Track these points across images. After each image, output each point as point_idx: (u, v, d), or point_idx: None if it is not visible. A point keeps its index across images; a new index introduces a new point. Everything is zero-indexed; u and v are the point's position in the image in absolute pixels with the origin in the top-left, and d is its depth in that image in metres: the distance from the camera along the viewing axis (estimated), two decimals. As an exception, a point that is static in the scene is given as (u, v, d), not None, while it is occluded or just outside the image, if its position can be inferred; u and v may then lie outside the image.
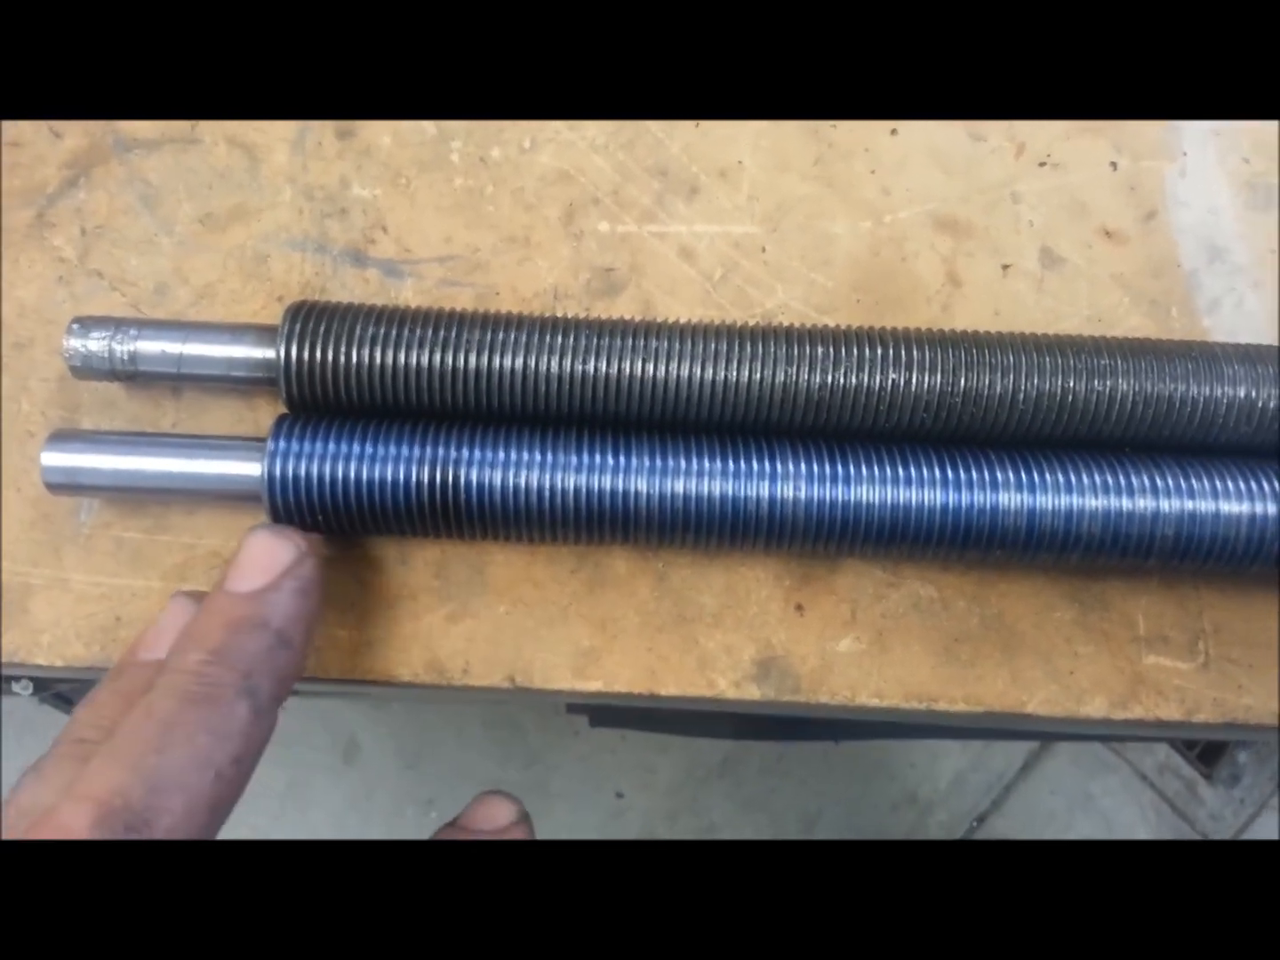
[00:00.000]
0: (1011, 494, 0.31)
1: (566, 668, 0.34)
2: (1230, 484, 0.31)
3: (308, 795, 1.21)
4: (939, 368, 0.31)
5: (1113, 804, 1.24)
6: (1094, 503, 0.31)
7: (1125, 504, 0.31)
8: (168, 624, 0.30)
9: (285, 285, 0.35)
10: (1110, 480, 0.31)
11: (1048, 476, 0.31)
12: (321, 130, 0.37)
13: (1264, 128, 0.37)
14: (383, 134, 0.37)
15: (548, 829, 1.08)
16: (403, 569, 0.34)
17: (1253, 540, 0.31)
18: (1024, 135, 0.37)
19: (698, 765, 1.24)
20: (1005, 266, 0.37)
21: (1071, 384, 0.31)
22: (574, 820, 1.19)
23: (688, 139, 0.37)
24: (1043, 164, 0.37)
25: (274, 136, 0.36)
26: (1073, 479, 0.31)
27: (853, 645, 0.34)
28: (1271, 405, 0.31)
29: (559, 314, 0.34)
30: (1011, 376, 0.31)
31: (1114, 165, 0.37)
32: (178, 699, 0.27)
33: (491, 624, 0.34)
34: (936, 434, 0.32)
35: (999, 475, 0.31)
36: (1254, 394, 0.31)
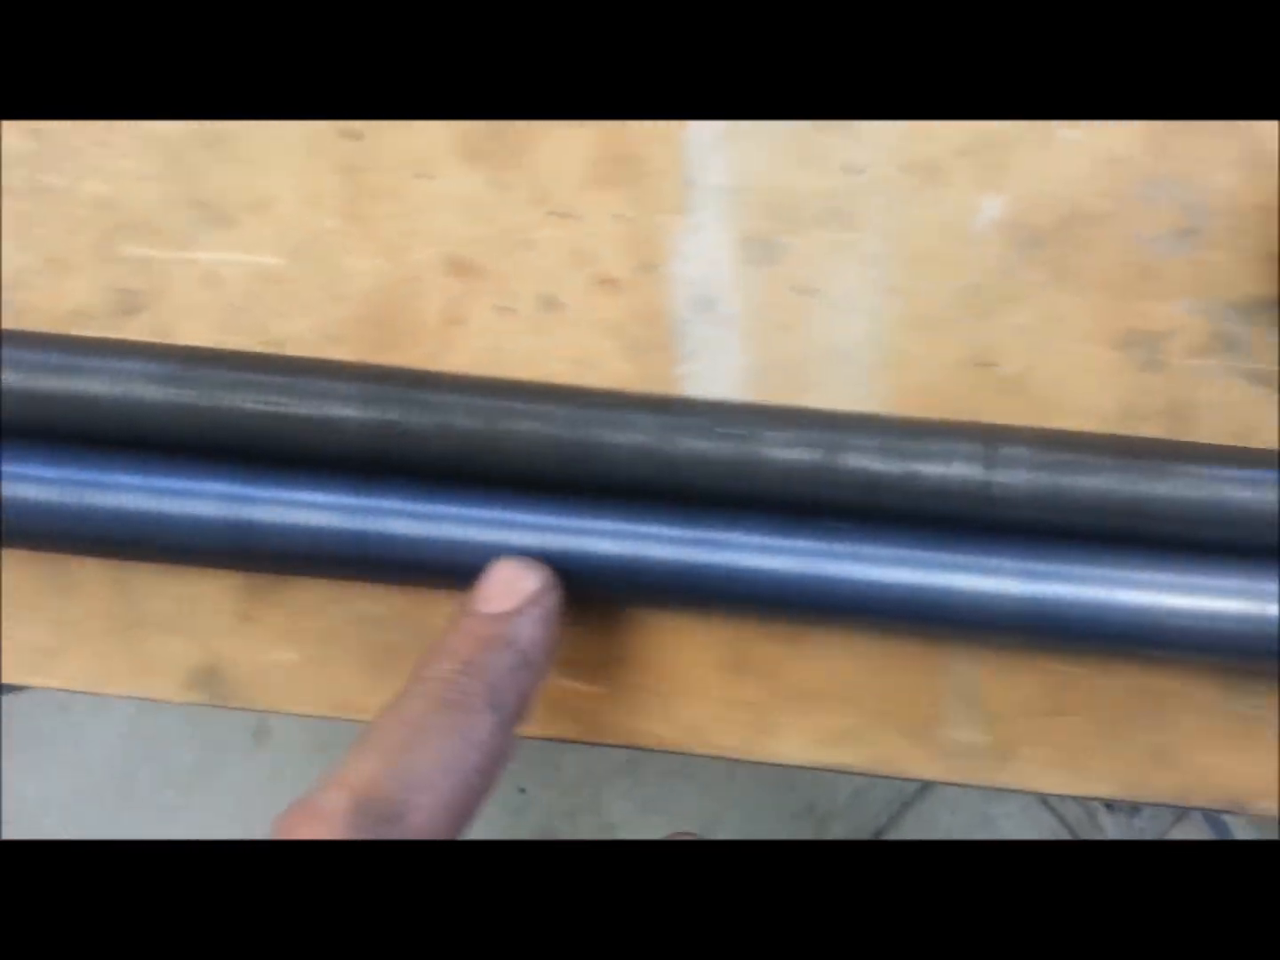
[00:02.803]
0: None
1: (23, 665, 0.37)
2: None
3: (218, 774, 1.25)
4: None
5: (1012, 826, 1.24)
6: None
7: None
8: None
9: None
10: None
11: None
12: (-103, 152, 0.40)
13: (777, 187, 0.39)
14: (-50, 158, 0.40)
15: None
16: None
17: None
18: (546, 185, 0.40)
19: (601, 763, 1.26)
20: (506, 309, 0.39)
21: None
22: (480, 815, 1.21)
23: (231, 173, 0.40)
24: (559, 214, 0.40)
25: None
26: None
27: (287, 656, 0.37)
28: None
29: (80, 333, 0.37)
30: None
31: (624, 218, 0.39)
32: (429, 703, 0.29)
33: None
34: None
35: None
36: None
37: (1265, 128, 0.39)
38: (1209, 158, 0.39)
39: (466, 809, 0.29)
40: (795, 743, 0.37)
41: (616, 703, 0.38)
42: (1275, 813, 0.36)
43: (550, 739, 0.37)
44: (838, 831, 1.20)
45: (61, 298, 0.39)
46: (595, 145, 0.40)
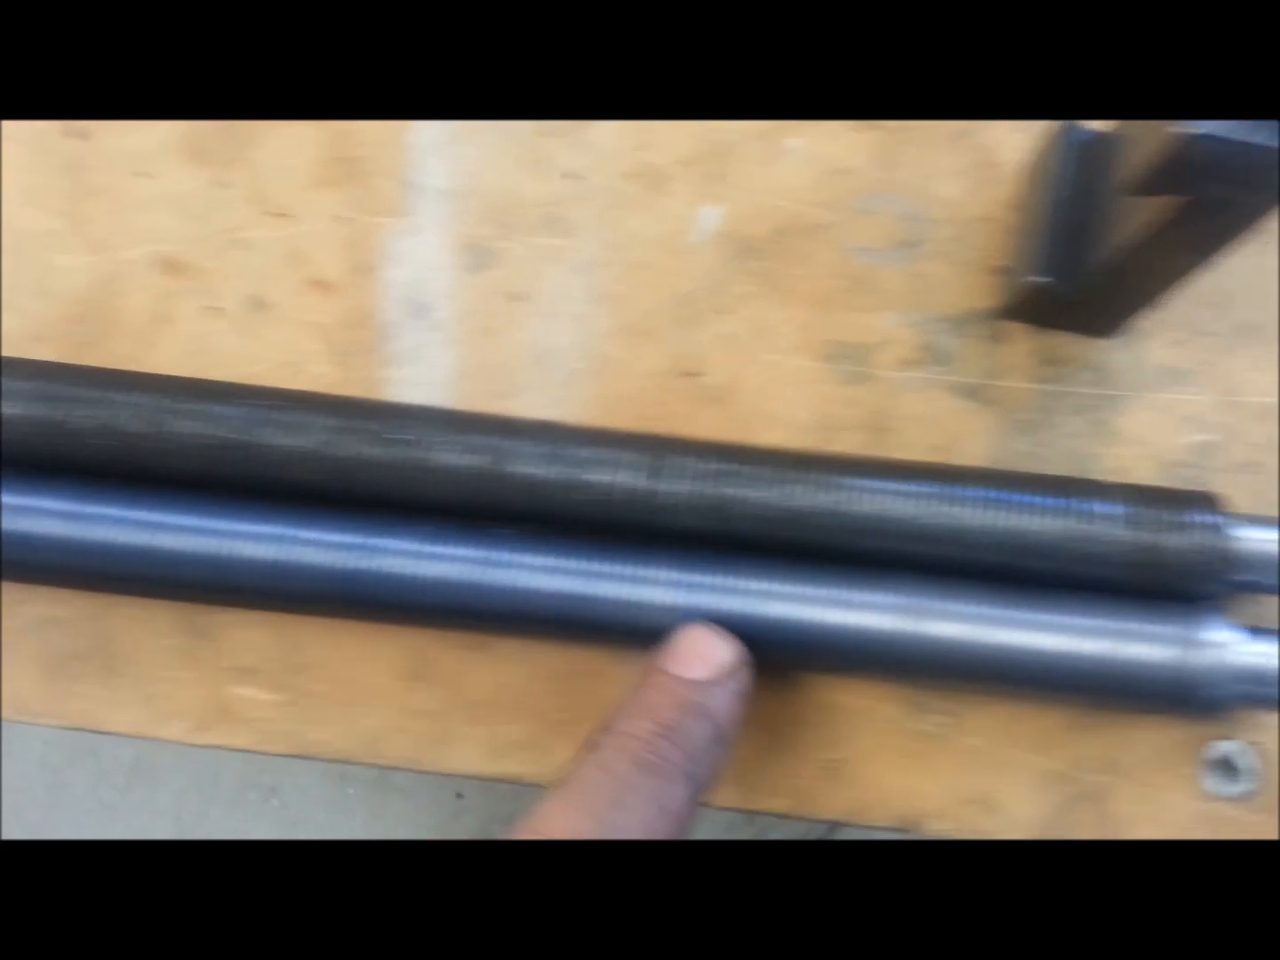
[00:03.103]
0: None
1: None
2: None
3: (154, 774, 1.24)
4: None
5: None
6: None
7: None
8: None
9: None
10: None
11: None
12: None
13: (497, 191, 0.38)
14: None
15: (383, 826, 1.10)
16: None
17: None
18: (266, 185, 0.39)
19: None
20: (215, 308, 0.39)
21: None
22: (413, 819, 1.20)
23: (-47, 169, 0.40)
24: (276, 214, 0.39)
25: None
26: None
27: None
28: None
29: None
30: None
31: (342, 219, 0.39)
32: (631, 762, 0.28)
33: None
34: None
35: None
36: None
37: (993, 138, 0.38)
38: (934, 169, 0.39)
39: None
40: (471, 754, 0.36)
41: (294, 711, 0.37)
42: (950, 834, 0.35)
43: (221, 748, 0.36)
44: (776, 839, 1.18)
45: None
46: (318, 144, 0.40)
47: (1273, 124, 0.24)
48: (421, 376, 0.38)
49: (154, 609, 0.36)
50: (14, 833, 1.19)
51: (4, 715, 0.36)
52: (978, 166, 0.39)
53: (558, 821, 0.26)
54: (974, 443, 0.36)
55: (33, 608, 0.37)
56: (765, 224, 0.38)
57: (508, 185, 0.39)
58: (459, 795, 1.22)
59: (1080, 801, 0.35)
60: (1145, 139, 0.27)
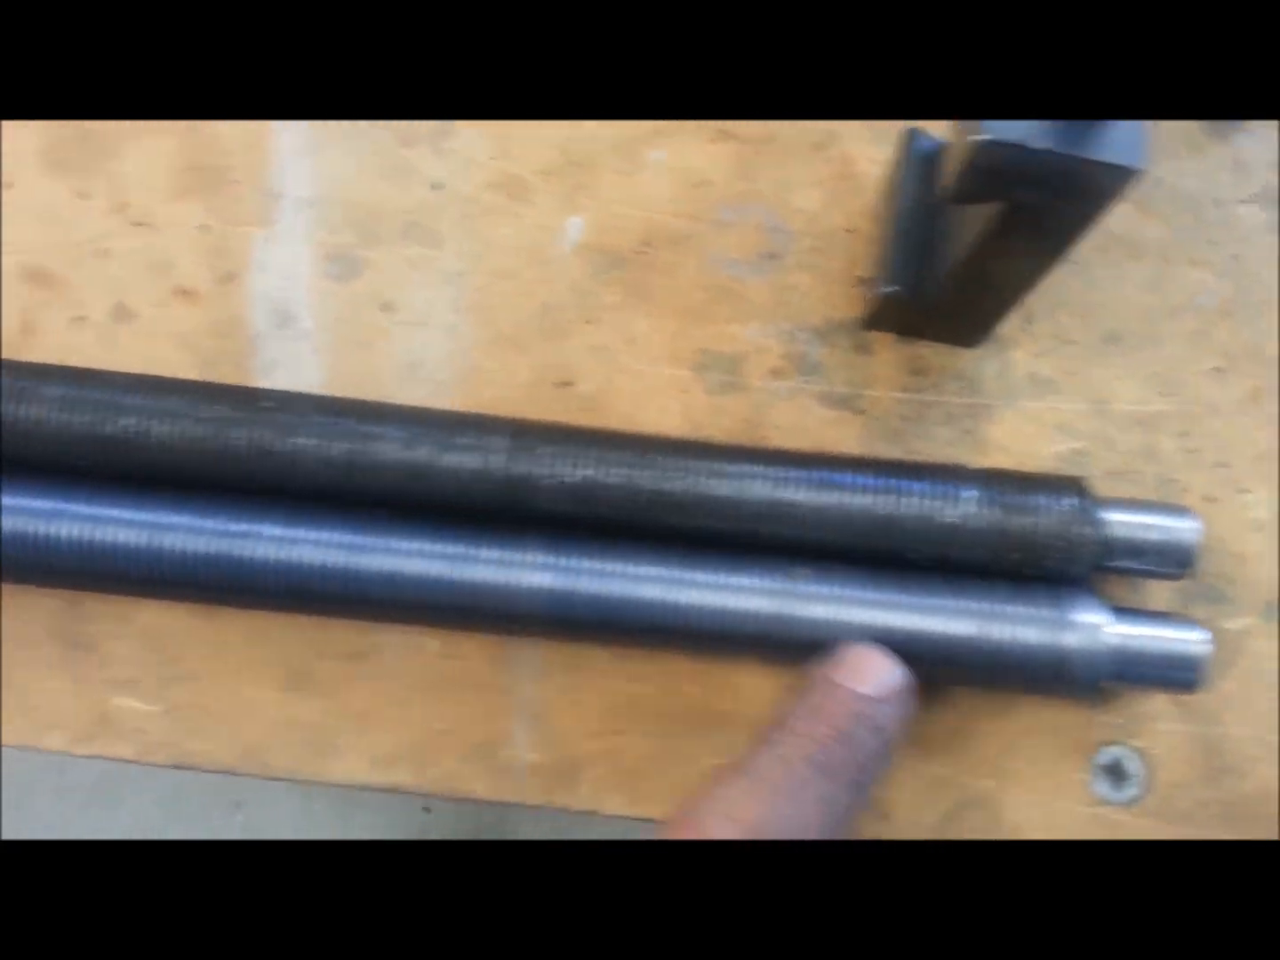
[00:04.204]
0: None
1: None
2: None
3: (118, 792, 1.21)
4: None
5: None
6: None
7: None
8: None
9: None
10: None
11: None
12: None
13: (360, 201, 0.38)
14: None
15: (352, 837, 1.08)
16: None
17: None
18: (128, 195, 0.39)
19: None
20: (79, 318, 0.38)
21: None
22: (381, 833, 1.18)
23: None
24: (139, 224, 0.39)
25: None
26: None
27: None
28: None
29: None
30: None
31: (206, 228, 0.39)
32: (806, 760, 0.29)
33: None
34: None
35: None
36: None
37: (851, 150, 0.39)
38: (795, 180, 0.40)
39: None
40: (353, 764, 0.37)
41: (173, 722, 0.37)
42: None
43: (104, 758, 0.36)
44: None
45: None
46: (180, 153, 0.40)
47: (1066, 125, 0.25)
48: (290, 386, 0.38)
49: (29, 618, 0.36)
50: None
51: None
52: (837, 178, 0.40)
53: (740, 805, 0.27)
54: (844, 451, 0.37)
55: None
56: (629, 235, 0.39)
57: (371, 194, 0.39)
58: (426, 810, 1.21)
59: (969, 808, 0.36)
60: (958, 146, 0.28)
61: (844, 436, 0.37)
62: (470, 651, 0.36)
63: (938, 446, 0.37)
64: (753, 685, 0.36)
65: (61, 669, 0.36)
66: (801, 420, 0.37)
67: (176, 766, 0.35)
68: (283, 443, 0.33)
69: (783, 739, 0.29)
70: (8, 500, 0.33)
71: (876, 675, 0.31)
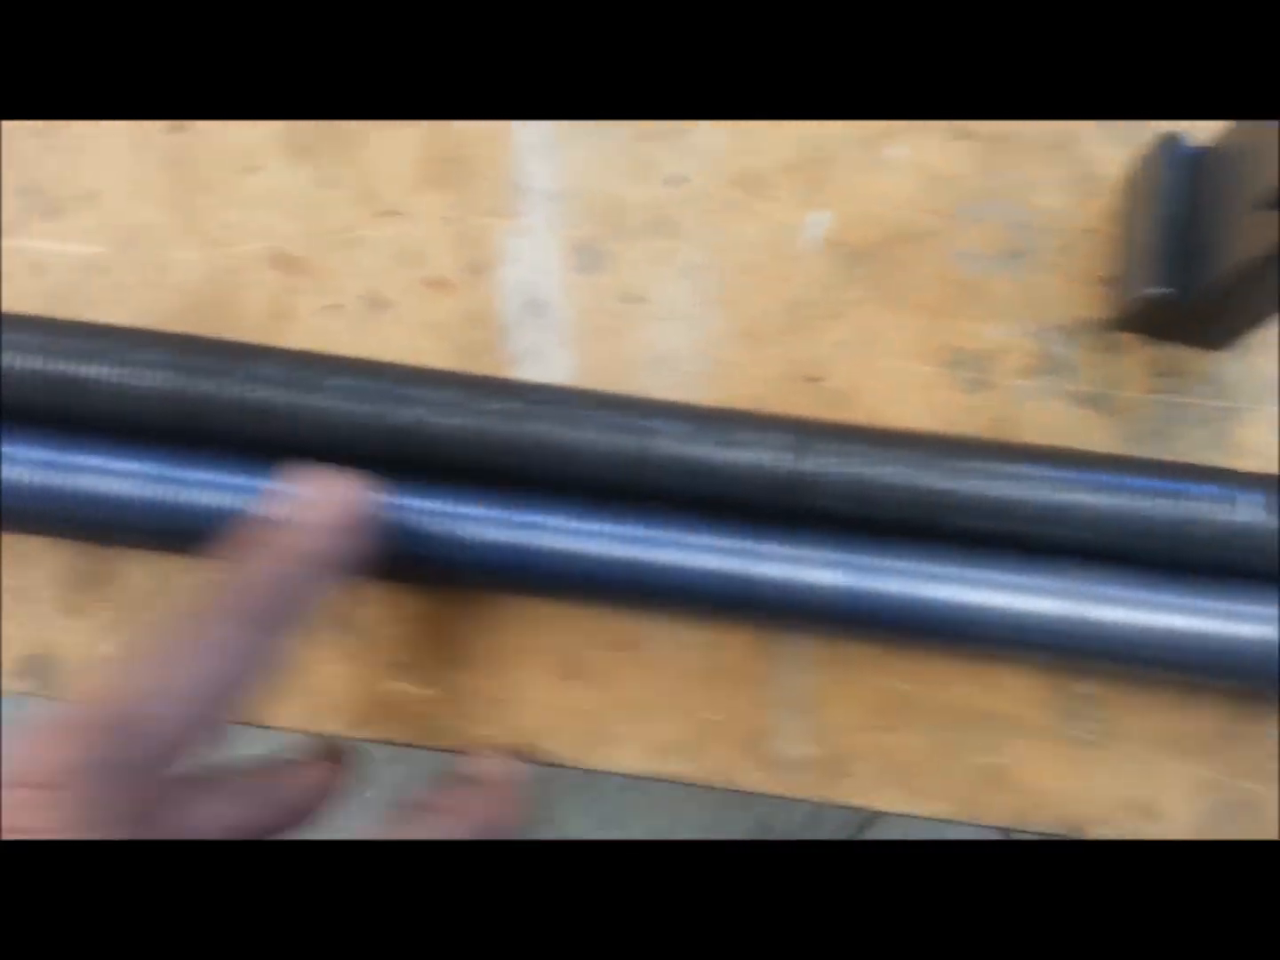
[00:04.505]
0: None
1: None
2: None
3: None
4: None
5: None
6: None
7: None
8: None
9: None
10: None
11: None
12: None
13: (603, 194, 0.39)
14: None
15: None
16: None
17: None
18: (375, 184, 0.39)
19: (559, 777, 1.23)
20: (332, 305, 0.39)
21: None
22: None
23: (60, 162, 0.40)
24: (388, 213, 0.39)
25: None
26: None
27: (116, 650, 0.36)
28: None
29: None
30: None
31: (454, 219, 0.39)
32: (184, 616, 0.29)
33: None
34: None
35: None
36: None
37: (1090, 151, 0.39)
38: (1035, 179, 0.40)
39: (221, 716, 0.28)
40: (629, 752, 0.37)
41: (450, 707, 0.37)
42: (1117, 836, 0.36)
43: (381, 741, 0.36)
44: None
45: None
46: (423, 145, 0.40)
47: None
48: (540, 376, 0.38)
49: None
50: None
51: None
52: (1077, 179, 0.40)
53: (101, 685, 0.27)
54: (1094, 451, 0.37)
55: (177, 599, 0.37)
56: (872, 231, 0.39)
57: (613, 188, 0.40)
58: None
59: (1238, 809, 0.36)
60: (1268, 152, 0.28)
61: (1095, 437, 0.37)
62: (736, 643, 0.36)
63: (1190, 448, 0.37)
64: (1022, 685, 0.36)
65: (336, 652, 0.36)
66: (1051, 420, 0.38)
67: (457, 751, 0.36)
68: (565, 436, 0.33)
69: (204, 590, 0.29)
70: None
71: (317, 498, 0.31)
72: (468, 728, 0.37)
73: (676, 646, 0.37)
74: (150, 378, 0.34)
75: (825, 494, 0.34)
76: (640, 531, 0.34)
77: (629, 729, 0.37)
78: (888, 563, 0.34)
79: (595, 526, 0.34)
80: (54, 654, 0.37)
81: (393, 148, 0.39)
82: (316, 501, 0.32)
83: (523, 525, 0.33)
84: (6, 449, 0.34)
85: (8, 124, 0.40)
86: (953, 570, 0.33)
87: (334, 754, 0.33)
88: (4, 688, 0.37)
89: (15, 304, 0.38)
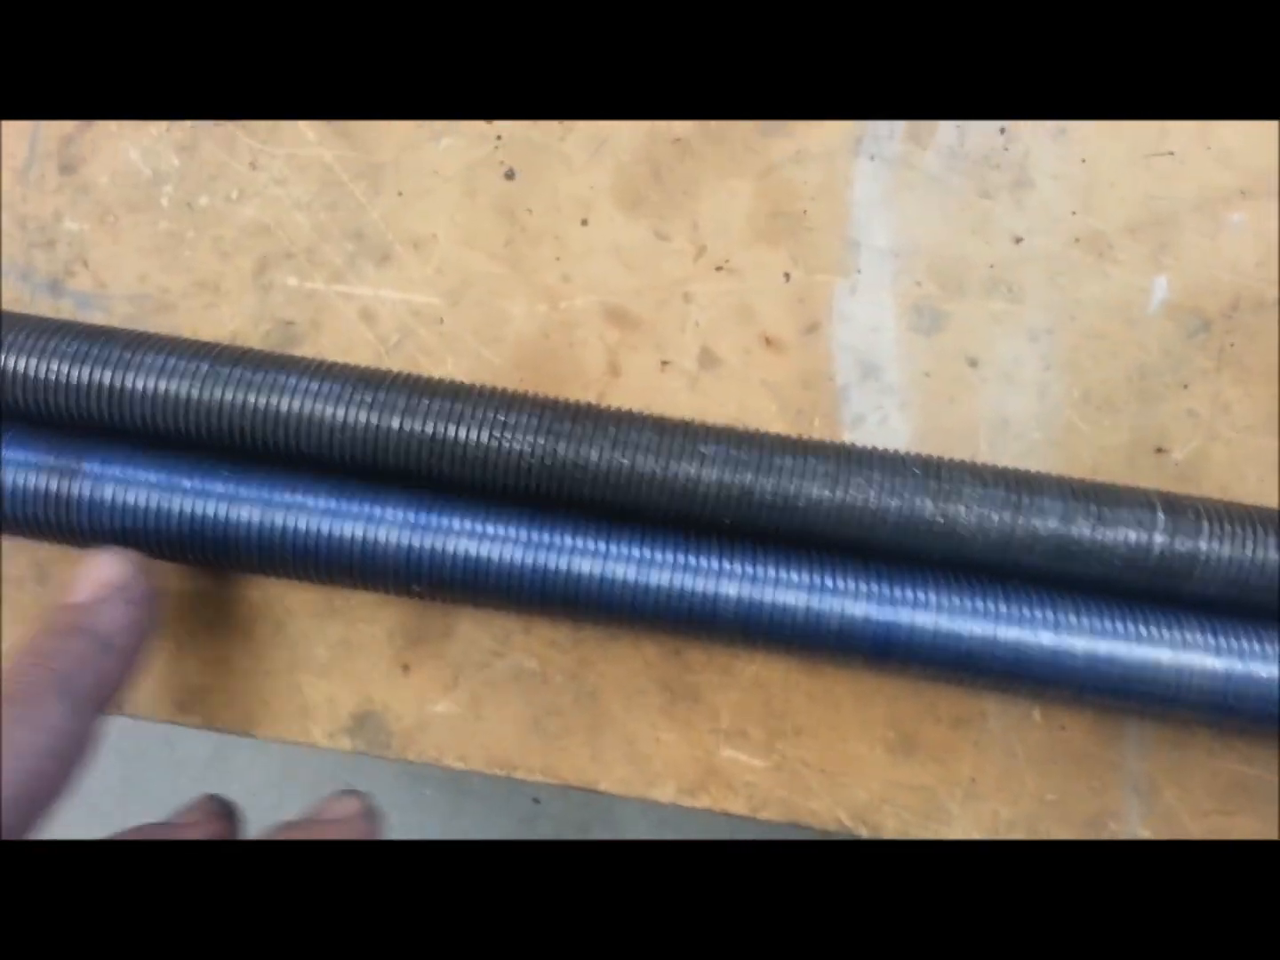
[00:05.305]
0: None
1: (169, 701, 0.36)
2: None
3: (229, 767, 1.23)
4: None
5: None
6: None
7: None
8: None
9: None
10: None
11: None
12: (46, 163, 0.39)
13: (940, 252, 0.38)
14: (100, 173, 0.39)
15: (458, 828, 1.10)
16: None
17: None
18: (706, 239, 0.39)
19: None
20: (665, 362, 0.38)
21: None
22: (486, 822, 1.20)
23: (389, 206, 0.39)
24: (719, 268, 0.39)
25: (3, 166, 0.39)
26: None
27: (449, 708, 0.36)
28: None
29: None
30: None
31: (787, 275, 0.39)
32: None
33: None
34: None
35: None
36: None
37: None
38: (1377, 248, 0.39)
39: (41, 794, 0.28)
40: (963, 831, 0.37)
41: (782, 777, 0.37)
42: None
43: (712, 811, 0.36)
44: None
45: (215, 324, 0.38)
46: (755, 198, 0.40)
47: None
48: (876, 440, 0.37)
49: (632, 666, 0.36)
50: (87, 823, 1.18)
51: (486, 769, 0.36)
52: None
53: None
54: None
55: (507, 659, 0.37)
56: (1216, 298, 0.38)
57: (951, 245, 0.39)
58: (535, 800, 1.22)
59: None
60: None
61: None
62: (1073, 723, 0.36)
63: None
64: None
65: (668, 719, 0.36)
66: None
67: (789, 823, 0.35)
68: (943, 511, 0.33)
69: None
70: (667, 556, 0.33)
71: (92, 579, 0.32)
72: (797, 799, 0.36)
73: (1013, 725, 0.36)
74: (520, 441, 0.33)
75: (1210, 578, 0.33)
76: (1015, 610, 0.33)
77: (964, 806, 0.36)
78: (1267, 648, 0.33)
79: (966, 603, 0.33)
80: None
81: (725, 200, 0.39)
82: (105, 580, 0.32)
83: (888, 600, 0.33)
84: (374, 509, 0.33)
85: (331, 162, 0.39)
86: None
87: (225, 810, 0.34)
88: (332, 745, 0.37)
89: (346, 353, 0.38)
